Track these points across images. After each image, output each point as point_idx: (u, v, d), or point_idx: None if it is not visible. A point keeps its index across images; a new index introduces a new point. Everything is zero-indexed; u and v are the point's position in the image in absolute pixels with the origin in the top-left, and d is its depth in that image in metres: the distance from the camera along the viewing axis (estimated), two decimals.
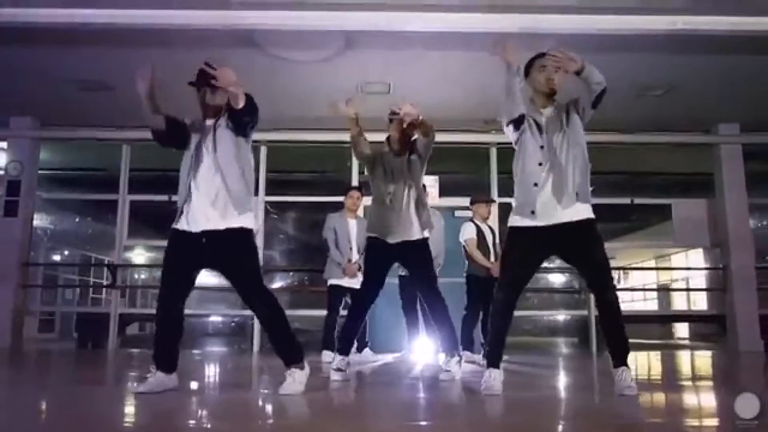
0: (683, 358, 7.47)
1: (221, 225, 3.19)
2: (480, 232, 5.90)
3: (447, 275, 6.42)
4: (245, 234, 3.24)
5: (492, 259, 5.89)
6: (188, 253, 3.26)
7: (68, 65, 6.53)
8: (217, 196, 3.21)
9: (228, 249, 3.22)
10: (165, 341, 3.31)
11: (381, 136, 8.15)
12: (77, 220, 11.14)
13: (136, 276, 11.48)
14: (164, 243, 3.35)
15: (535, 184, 3.21)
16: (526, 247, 3.24)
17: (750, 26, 5.25)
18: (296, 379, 3.22)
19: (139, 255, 13.14)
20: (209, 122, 3.37)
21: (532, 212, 3.20)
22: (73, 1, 5.21)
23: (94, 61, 6.44)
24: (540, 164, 3.23)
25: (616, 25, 5.23)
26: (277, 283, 9.79)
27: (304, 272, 8.97)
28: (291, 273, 9.59)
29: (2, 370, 5.26)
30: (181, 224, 3.27)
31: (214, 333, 11.18)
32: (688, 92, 7.15)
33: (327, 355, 5.73)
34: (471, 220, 6.07)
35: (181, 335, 3.35)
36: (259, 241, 8.08)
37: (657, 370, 5.69)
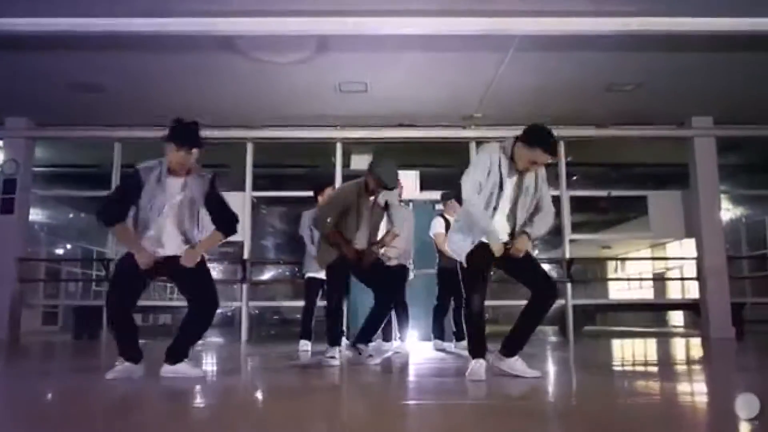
0: (637, 345, 7.72)
1: None
2: (449, 226, 6.14)
3: (420, 267, 6.74)
4: None
5: None
6: None
7: (62, 68, 6.78)
8: None
9: None
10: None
11: (361, 133, 8.45)
12: (71, 215, 11.40)
13: None
14: None
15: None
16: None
17: (705, 26, 5.48)
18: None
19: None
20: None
21: None
22: (69, 10, 5.50)
23: (87, 64, 6.70)
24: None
25: (574, 27, 5.48)
26: (266, 274, 10.14)
27: (294, 264, 9.23)
28: (281, 264, 9.93)
29: None
30: None
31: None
32: (659, 87, 7.37)
33: (304, 344, 6.02)
34: (441, 214, 6.33)
35: None
36: (247, 234, 8.38)
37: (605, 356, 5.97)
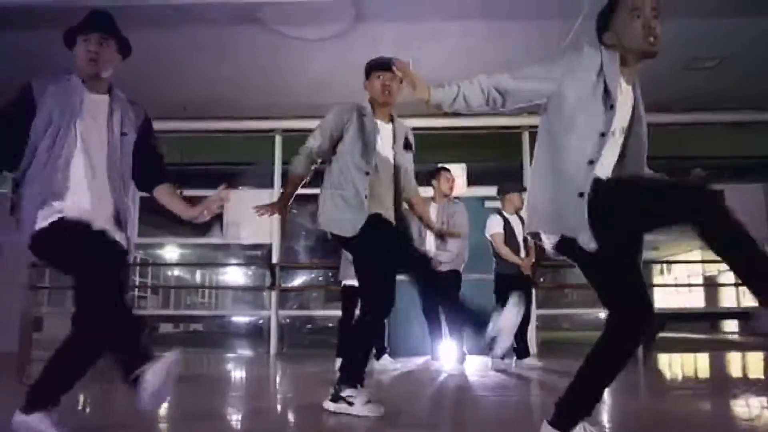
0: (735, 359, 6.69)
1: None
2: (508, 225, 5.28)
3: (474, 272, 5.83)
4: None
5: (522, 254, 5.26)
6: None
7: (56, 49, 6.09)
8: None
9: None
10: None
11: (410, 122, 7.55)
12: None
13: None
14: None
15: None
16: None
17: None
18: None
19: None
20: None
21: None
22: None
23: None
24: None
25: None
26: (298, 280, 9.36)
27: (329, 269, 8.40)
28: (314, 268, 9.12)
29: None
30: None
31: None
32: (746, 63, 6.37)
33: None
34: (499, 211, 5.45)
35: None
36: (276, 235, 7.62)
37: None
